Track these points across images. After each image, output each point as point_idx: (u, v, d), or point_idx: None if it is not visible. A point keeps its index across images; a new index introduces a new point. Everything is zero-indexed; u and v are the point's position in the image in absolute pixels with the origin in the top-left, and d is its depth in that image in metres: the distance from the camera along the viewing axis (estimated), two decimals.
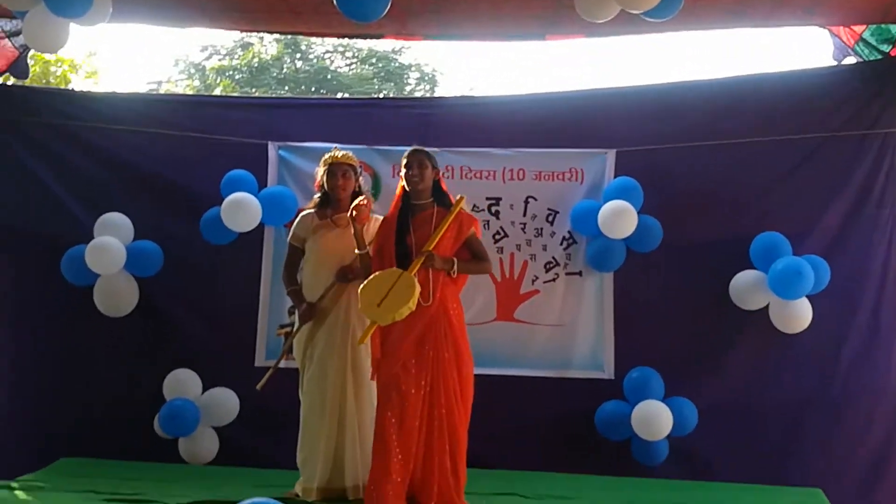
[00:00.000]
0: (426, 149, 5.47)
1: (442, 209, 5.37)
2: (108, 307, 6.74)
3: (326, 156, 5.75)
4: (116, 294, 6.72)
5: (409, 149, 5.44)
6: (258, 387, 5.70)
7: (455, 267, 5.26)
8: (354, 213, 5.34)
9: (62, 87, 12.73)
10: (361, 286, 5.19)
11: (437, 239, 5.22)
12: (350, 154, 5.77)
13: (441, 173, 5.52)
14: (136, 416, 6.67)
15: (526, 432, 6.64)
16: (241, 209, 6.58)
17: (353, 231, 5.38)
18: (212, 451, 6.67)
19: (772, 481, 6.21)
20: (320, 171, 5.74)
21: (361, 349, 5.48)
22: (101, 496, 5.44)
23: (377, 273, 5.20)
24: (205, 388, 6.68)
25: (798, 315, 6.40)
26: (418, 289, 5.05)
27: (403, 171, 5.40)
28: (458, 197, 5.42)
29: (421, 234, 5.30)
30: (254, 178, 6.76)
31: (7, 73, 7.09)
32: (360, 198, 5.45)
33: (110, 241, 6.56)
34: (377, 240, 5.46)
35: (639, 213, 6.50)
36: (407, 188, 5.40)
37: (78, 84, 14.06)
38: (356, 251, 5.43)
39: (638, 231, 6.51)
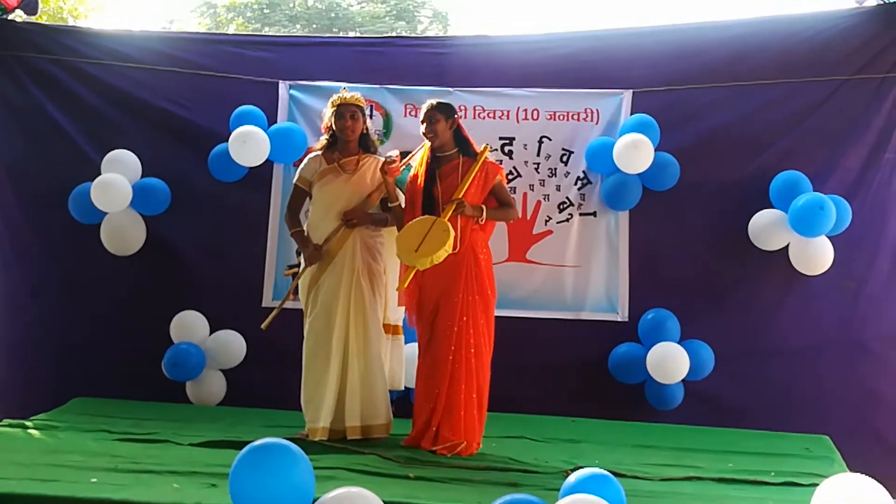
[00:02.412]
0: (441, 101, 5.56)
1: (467, 158, 5.50)
2: (115, 246, 6.71)
3: (334, 97, 5.71)
4: (123, 232, 6.69)
5: (426, 103, 5.53)
6: (263, 327, 5.70)
7: (484, 214, 5.41)
8: (385, 168, 5.43)
9: (73, 20, 12.65)
10: (397, 235, 5.36)
11: (465, 188, 5.34)
12: (358, 95, 5.73)
13: (459, 119, 5.53)
14: (146, 357, 6.67)
15: (537, 375, 6.62)
16: (248, 141, 6.50)
17: (385, 185, 5.51)
18: (219, 394, 6.70)
19: (787, 428, 6.17)
20: (328, 113, 5.71)
21: (366, 292, 5.57)
22: (114, 435, 5.49)
23: (411, 221, 5.36)
24: (212, 330, 6.68)
25: (818, 255, 6.33)
26: (453, 232, 5.21)
27: (421, 126, 5.53)
28: (482, 147, 5.50)
29: (447, 183, 5.45)
30: (263, 115, 6.71)
31: (17, 10, 7.00)
32: (390, 154, 5.51)
33: (116, 179, 6.51)
34: (407, 191, 5.61)
35: (655, 151, 6.42)
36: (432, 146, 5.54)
37: (87, 19, 13.97)
38: (389, 204, 5.56)
39: (654, 167, 6.43)
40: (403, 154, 5.64)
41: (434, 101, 5.53)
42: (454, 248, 5.30)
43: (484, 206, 5.44)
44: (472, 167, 5.41)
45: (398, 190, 5.63)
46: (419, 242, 5.20)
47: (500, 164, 6.59)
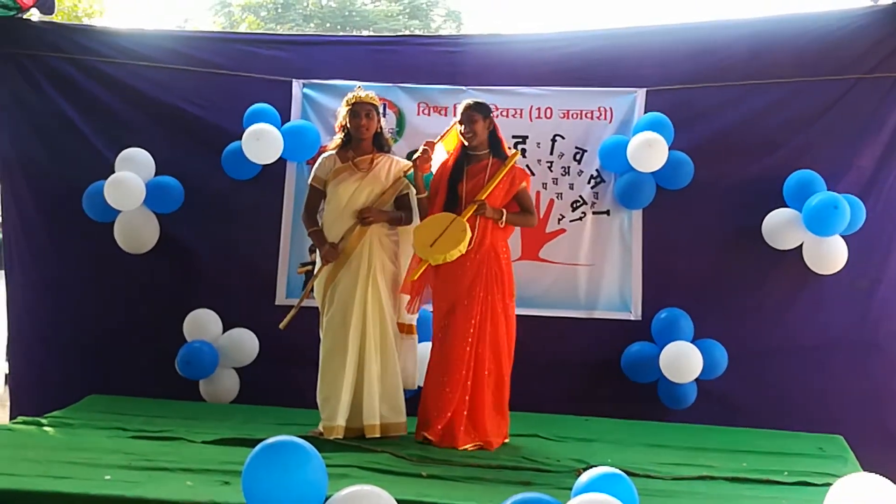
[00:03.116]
0: (478, 101, 5.67)
1: (497, 160, 5.60)
2: (129, 244, 6.72)
3: (349, 95, 5.73)
4: (137, 231, 6.70)
5: (463, 103, 5.63)
6: (281, 326, 5.72)
7: (503, 218, 5.50)
8: (418, 161, 5.52)
9: (88, 19, 12.70)
10: (416, 227, 5.49)
11: (490, 190, 5.45)
12: (373, 94, 5.76)
13: (494, 118, 5.68)
14: (160, 355, 6.69)
15: (549, 374, 6.59)
16: (262, 139, 6.51)
17: (414, 177, 5.60)
18: (232, 392, 6.71)
19: (800, 427, 6.15)
20: (342, 112, 5.73)
21: (383, 290, 5.59)
22: (129, 433, 5.51)
23: (432, 216, 5.48)
24: (225, 328, 6.69)
25: (832, 254, 6.29)
26: (469, 234, 5.32)
27: (458, 126, 5.60)
28: (511, 152, 5.62)
29: (474, 182, 5.54)
30: (276, 113, 6.71)
31: (33, 9, 7.01)
32: (425, 146, 5.57)
33: (129, 177, 6.52)
34: (432, 181, 5.68)
35: (669, 149, 6.40)
36: (463, 142, 5.61)
37: (102, 18, 14.03)
38: (417, 195, 5.64)
39: (668, 165, 6.40)
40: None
41: (471, 101, 5.62)
42: (473, 246, 5.39)
43: (504, 210, 5.51)
44: (499, 170, 5.50)
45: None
46: (435, 238, 5.32)
47: None
